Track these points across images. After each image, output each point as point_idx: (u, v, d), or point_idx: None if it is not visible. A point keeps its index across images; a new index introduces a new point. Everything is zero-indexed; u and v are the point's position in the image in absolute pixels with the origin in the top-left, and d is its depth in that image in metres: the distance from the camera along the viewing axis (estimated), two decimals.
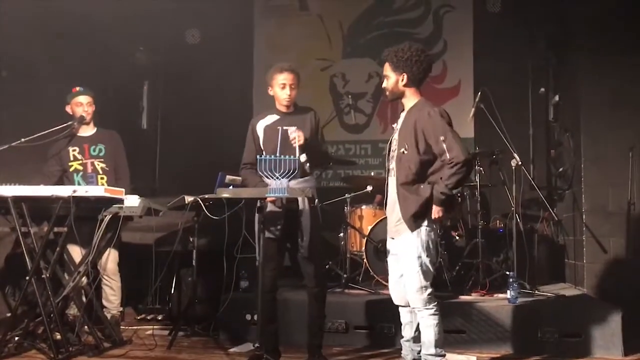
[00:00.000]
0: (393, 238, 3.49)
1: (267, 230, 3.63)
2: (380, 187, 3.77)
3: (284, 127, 3.71)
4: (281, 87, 3.72)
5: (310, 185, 3.74)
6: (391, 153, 3.49)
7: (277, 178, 3.45)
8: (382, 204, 3.65)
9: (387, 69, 3.43)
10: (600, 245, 5.05)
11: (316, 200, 3.74)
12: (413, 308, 3.37)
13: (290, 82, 3.72)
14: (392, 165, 3.44)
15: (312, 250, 3.68)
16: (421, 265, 3.29)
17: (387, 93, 3.48)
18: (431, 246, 3.35)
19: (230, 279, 4.24)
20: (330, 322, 4.27)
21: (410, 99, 3.44)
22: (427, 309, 3.31)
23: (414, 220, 3.29)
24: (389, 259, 3.54)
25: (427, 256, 3.32)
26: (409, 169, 3.32)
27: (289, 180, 3.61)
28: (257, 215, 3.65)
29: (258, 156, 3.58)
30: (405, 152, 3.33)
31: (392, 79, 3.41)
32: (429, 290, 3.32)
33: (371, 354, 4.24)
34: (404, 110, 3.50)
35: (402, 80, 3.39)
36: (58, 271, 4.16)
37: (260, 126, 3.80)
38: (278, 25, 7.23)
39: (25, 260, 3.98)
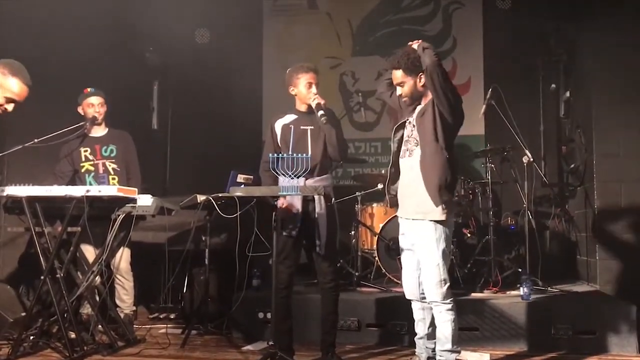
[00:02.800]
0: (404, 234, 3.50)
1: (283, 228, 3.65)
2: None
3: (302, 127, 3.75)
4: (307, 87, 3.74)
5: (327, 183, 3.75)
6: (405, 137, 3.48)
7: (290, 176, 3.47)
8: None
9: (401, 76, 3.38)
10: (613, 242, 5.02)
11: (332, 198, 3.75)
12: (430, 302, 3.37)
13: (316, 81, 3.75)
14: (409, 147, 3.43)
15: (328, 249, 3.69)
16: (440, 258, 3.30)
17: (406, 99, 3.44)
18: (449, 234, 3.37)
19: (242, 277, 4.26)
20: (343, 320, 4.28)
21: (429, 97, 3.41)
22: (444, 303, 3.31)
23: (439, 195, 3.27)
24: (402, 254, 3.54)
25: (445, 247, 3.33)
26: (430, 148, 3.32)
27: (306, 179, 3.63)
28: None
29: (270, 154, 3.61)
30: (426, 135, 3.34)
31: (409, 83, 3.38)
32: (448, 284, 3.33)
33: (383, 350, 4.25)
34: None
35: (420, 80, 3.37)
36: (72, 271, 4.19)
37: (279, 125, 3.83)
38: (287, 24, 7.24)
39: (38, 260, 4.01)
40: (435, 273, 3.31)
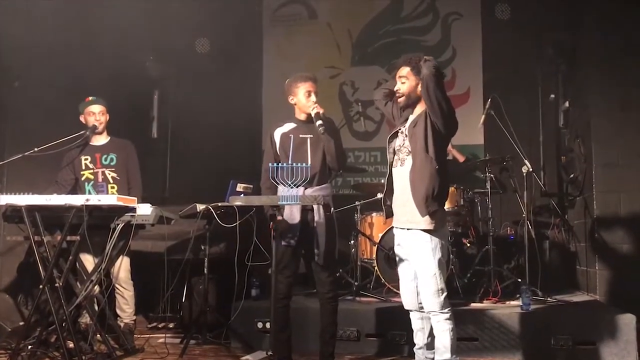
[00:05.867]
0: (400, 244, 3.50)
1: (282, 237, 3.65)
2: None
3: (301, 135, 3.77)
4: (307, 95, 3.76)
5: (326, 193, 3.75)
6: (397, 146, 3.50)
7: (290, 185, 3.48)
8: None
9: (407, 72, 3.41)
10: (612, 252, 5.02)
11: (332, 208, 3.75)
12: (428, 312, 3.37)
13: (315, 90, 3.77)
14: (401, 156, 3.45)
15: (327, 259, 3.69)
16: (437, 267, 3.31)
17: (402, 98, 3.46)
18: (444, 243, 3.39)
19: (241, 286, 4.25)
20: (342, 330, 4.26)
21: (423, 105, 3.44)
22: (442, 312, 3.31)
23: (425, 205, 3.28)
24: (399, 264, 3.54)
25: (441, 257, 3.33)
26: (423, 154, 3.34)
27: (305, 188, 3.64)
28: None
29: (270, 164, 3.62)
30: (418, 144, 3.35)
31: (410, 82, 3.41)
32: (445, 293, 3.33)
33: None
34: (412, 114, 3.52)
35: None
36: (71, 280, 4.17)
37: (278, 133, 3.85)
38: (287, 33, 7.28)
39: (37, 269, 3.99)
40: (432, 283, 3.31)
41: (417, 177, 3.32)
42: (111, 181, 4.69)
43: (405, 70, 3.42)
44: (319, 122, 3.63)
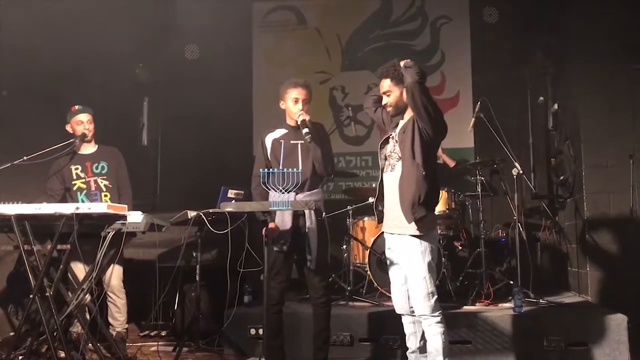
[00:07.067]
0: (390, 248, 3.51)
1: (274, 243, 3.64)
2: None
3: (292, 141, 3.77)
4: (294, 102, 3.78)
5: (317, 198, 3.75)
6: (388, 152, 3.51)
7: (281, 191, 3.48)
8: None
9: (388, 85, 3.44)
10: (603, 252, 5.04)
11: (323, 213, 3.75)
12: (419, 316, 3.37)
13: (303, 97, 3.78)
14: (391, 161, 3.46)
15: (319, 264, 3.69)
16: (427, 271, 3.31)
17: (390, 109, 3.49)
18: (434, 247, 3.39)
19: (233, 293, 4.24)
20: (335, 335, 4.26)
21: (411, 113, 3.44)
22: (433, 316, 3.32)
23: (412, 212, 3.28)
24: (390, 268, 3.54)
25: (431, 260, 3.34)
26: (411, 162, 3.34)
27: (297, 194, 3.64)
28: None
29: (261, 169, 3.62)
30: (408, 150, 3.35)
31: (395, 93, 3.44)
32: (435, 296, 3.34)
33: None
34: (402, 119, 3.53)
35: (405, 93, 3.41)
36: (61, 289, 4.13)
37: (269, 139, 3.86)
38: (276, 39, 7.28)
39: (28, 278, 3.96)
40: (422, 286, 3.32)
41: (405, 183, 3.33)
42: (104, 189, 4.67)
43: (386, 83, 3.45)
44: (305, 130, 3.64)
